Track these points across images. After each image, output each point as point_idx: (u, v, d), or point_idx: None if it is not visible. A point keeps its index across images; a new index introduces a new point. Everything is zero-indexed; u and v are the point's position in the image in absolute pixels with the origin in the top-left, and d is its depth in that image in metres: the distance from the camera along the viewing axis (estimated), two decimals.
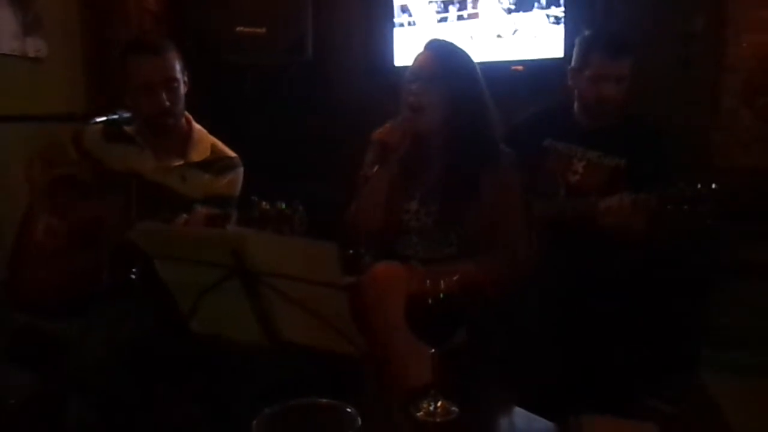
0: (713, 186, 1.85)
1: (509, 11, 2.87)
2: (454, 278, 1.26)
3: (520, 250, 1.84)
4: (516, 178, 1.89)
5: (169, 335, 1.65)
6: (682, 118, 2.69)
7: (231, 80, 2.99)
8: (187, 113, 2.04)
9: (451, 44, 1.92)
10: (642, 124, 2.25)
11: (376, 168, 1.80)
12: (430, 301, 1.25)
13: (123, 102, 1.95)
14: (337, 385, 1.54)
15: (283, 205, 1.52)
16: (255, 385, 1.63)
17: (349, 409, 0.93)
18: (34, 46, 2.60)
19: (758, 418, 2.10)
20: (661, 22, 2.75)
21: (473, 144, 1.83)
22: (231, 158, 2.04)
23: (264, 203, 1.52)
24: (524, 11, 2.85)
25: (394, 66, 3.01)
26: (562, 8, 2.77)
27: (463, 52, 1.90)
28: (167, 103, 1.90)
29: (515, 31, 2.88)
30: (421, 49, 1.89)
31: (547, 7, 2.80)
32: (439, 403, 1.27)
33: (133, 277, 1.80)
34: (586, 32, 2.25)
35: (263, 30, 2.82)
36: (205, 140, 2.04)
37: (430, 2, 3.00)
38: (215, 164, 2.01)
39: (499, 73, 2.71)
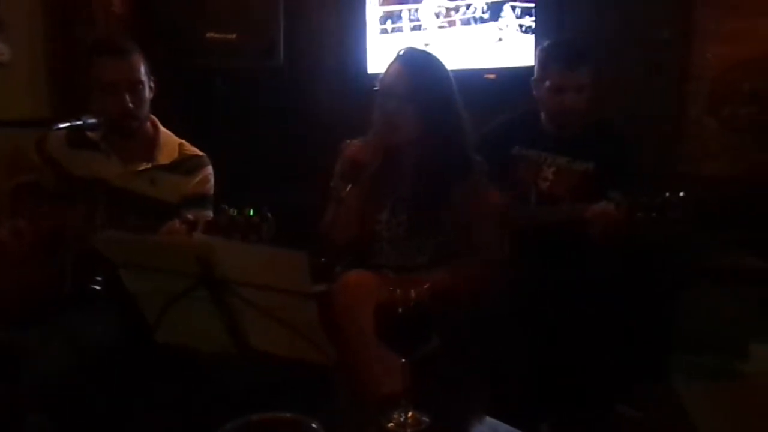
0: (681, 194, 1.87)
1: (482, 20, 2.89)
2: (425, 287, 1.26)
3: (493, 257, 1.85)
4: (488, 186, 1.90)
5: (134, 345, 1.62)
6: (648, 126, 2.73)
7: (201, 85, 2.95)
8: (153, 117, 2.02)
9: (425, 54, 1.90)
10: (609, 128, 2.28)
11: (348, 188, 1.78)
12: (400, 310, 1.24)
13: (88, 107, 1.92)
14: (307, 395, 1.53)
15: (251, 212, 1.50)
16: (223, 395, 1.60)
17: (313, 425, 0.91)
18: None
19: (724, 422, 2.12)
20: (629, 30, 2.79)
21: (446, 156, 1.83)
22: (199, 157, 2.02)
23: (232, 210, 1.50)
24: (496, 20, 2.87)
25: (366, 72, 3.00)
26: (533, 18, 2.79)
27: (438, 61, 1.88)
28: (131, 105, 1.89)
29: (487, 39, 2.89)
30: (393, 57, 1.87)
31: (520, 16, 2.82)
32: (409, 414, 1.26)
33: (97, 287, 1.77)
34: (544, 43, 2.27)
35: (233, 35, 2.80)
36: (172, 142, 2.02)
37: (409, 10, 3.01)
38: (184, 164, 1.99)
39: (472, 81, 2.73)
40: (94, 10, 2.90)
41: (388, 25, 3.04)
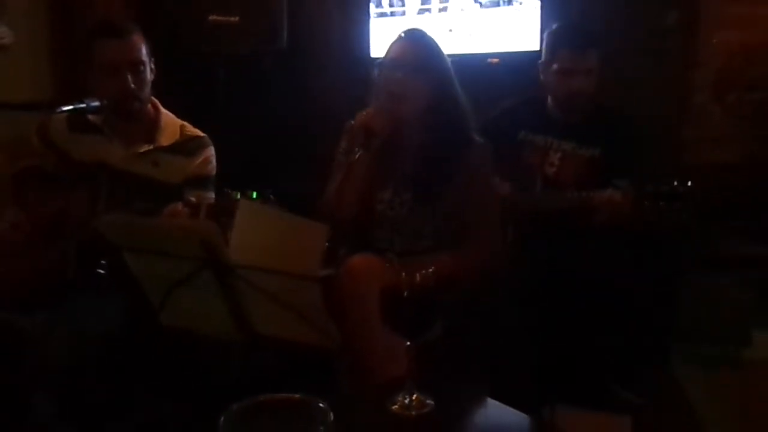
0: (689, 183, 1.87)
1: (486, 4, 2.87)
2: (430, 270, 1.25)
3: (494, 242, 1.85)
4: (487, 168, 1.89)
5: (138, 329, 1.62)
6: (653, 113, 2.71)
7: (204, 69, 2.93)
8: (154, 99, 2.01)
9: (426, 34, 1.92)
10: (616, 113, 2.27)
11: (359, 153, 1.78)
12: (405, 293, 1.23)
13: (90, 90, 1.91)
14: (311, 379, 1.53)
15: (254, 195, 1.49)
16: (227, 380, 1.61)
17: (321, 404, 0.91)
18: None
19: (727, 409, 2.13)
20: (634, 16, 2.77)
21: (448, 132, 1.84)
22: (200, 138, 2.02)
23: (234, 193, 1.50)
24: (501, 4, 2.84)
25: (370, 56, 2.98)
26: (539, 1, 2.77)
27: (435, 42, 1.91)
28: (132, 86, 1.88)
29: (492, 23, 2.87)
30: (395, 38, 1.88)
31: (525, 1, 2.80)
32: (414, 396, 1.26)
33: (102, 271, 1.76)
34: (553, 26, 2.26)
35: (236, 18, 2.78)
36: (173, 124, 2.01)
37: None
38: (186, 145, 1.98)
39: (476, 65, 2.72)
40: None
41: (389, 8, 3.02)
